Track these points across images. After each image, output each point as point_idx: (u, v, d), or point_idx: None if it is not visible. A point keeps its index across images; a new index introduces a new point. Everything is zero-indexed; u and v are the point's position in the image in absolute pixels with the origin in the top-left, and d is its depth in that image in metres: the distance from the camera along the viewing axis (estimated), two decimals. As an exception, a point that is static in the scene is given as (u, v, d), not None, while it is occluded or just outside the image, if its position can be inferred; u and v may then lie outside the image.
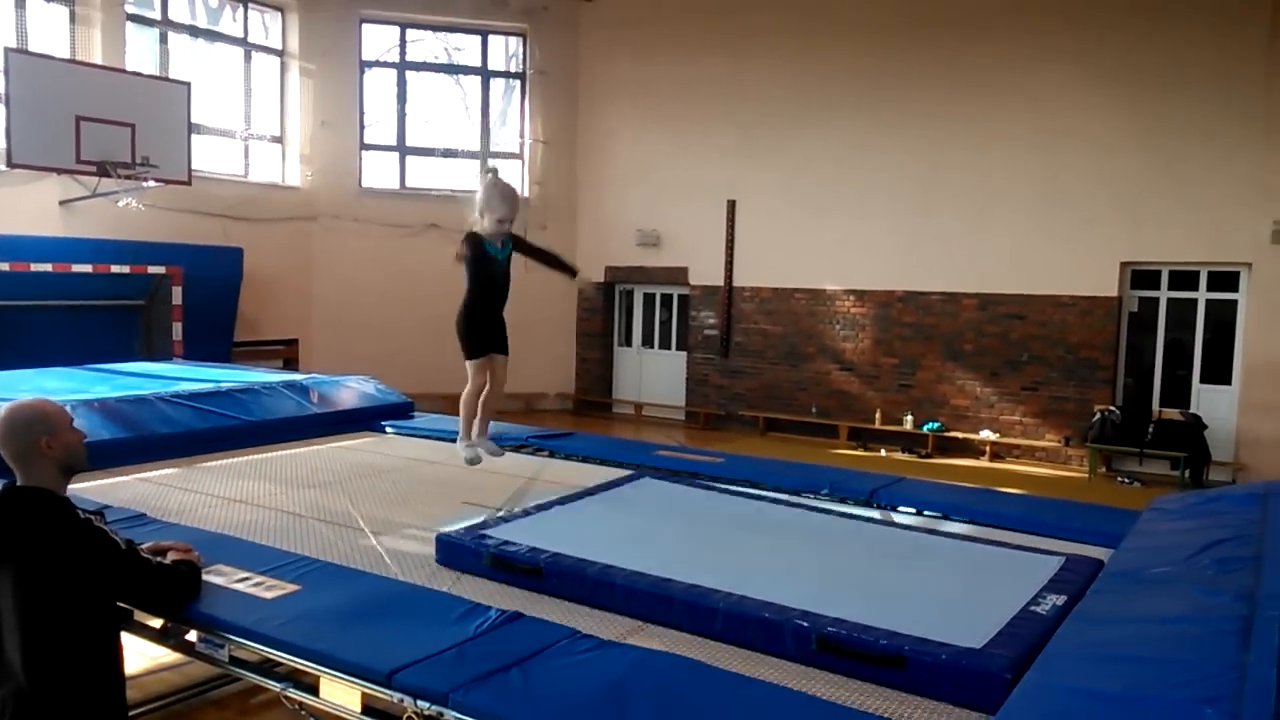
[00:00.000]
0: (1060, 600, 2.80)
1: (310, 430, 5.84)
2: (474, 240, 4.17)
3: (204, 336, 11.03)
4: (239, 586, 2.91)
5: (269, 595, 2.86)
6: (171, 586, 2.75)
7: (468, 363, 4.34)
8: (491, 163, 4.33)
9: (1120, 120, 10.81)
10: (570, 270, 4.70)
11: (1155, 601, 2.48)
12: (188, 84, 10.70)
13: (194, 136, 10.94)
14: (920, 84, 11.92)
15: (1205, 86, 10.35)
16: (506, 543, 3.31)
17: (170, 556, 2.89)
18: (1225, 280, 10.66)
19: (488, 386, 4.42)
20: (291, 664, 2.60)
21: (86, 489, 4.27)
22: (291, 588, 2.92)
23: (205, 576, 2.94)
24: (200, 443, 5.25)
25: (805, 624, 2.62)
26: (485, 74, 14.52)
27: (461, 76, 14.65)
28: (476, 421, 4.48)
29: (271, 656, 2.65)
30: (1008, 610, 2.72)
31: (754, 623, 2.70)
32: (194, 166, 10.83)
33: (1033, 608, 2.75)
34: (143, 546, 2.87)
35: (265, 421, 5.63)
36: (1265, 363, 10.27)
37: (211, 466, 5.05)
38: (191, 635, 2.86)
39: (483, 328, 4.32)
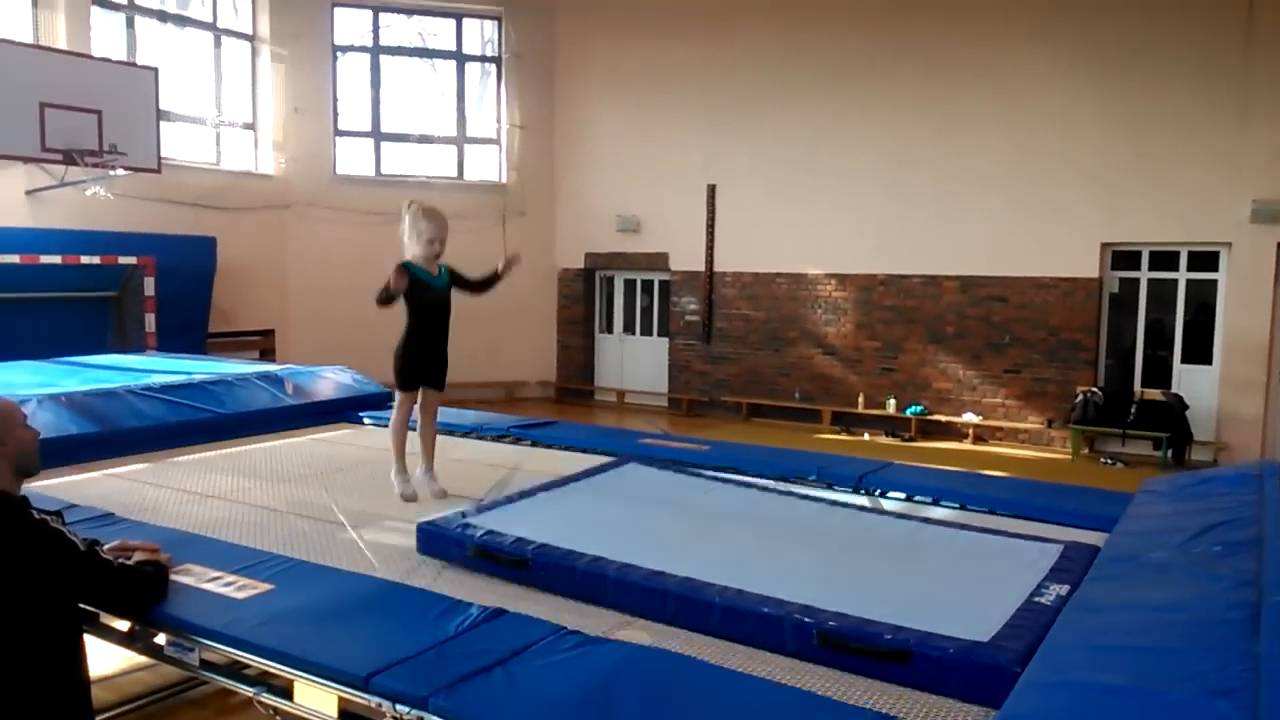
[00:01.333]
0: (1064, 590, 2.73)
1: (286, 422, 5.71)
2: (404, 270, 4.01)
3: (178, 328, 10.85)
4: (209, 587, 2.80)
5: (241, 595, 2.75)
6: (135, 588, 2.63)
7: (396, 392, 4.22)
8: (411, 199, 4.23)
9: (1094, 102, 10.78)
10: (506, 268, 4.41)
11: (1156, 589, 2.41)
12: (155, 69, 10.46)
13: (163, 123, 10.71)
14: (897, 67, 11.84)
15: (1179, 66, 10.33)
16: (491, 532, 3.19)
17: (136, 557, 2.77)
18: (1206, 260, 10.67)
19: (420, 419, 4.26)
20: (264, 667, 2.49)
21: (53, 486, 4.15)
22: (265, 587, 2.81)
23: (174, 577, 2.83)
24: (172, 436, 5.11)
25: (806, 619, 2.53)
26: (460, 58, 14.32)
27: (436, 61, 14.45)
28: (422, 457, 4.29)
29: (243, 660, 2.54)
30: (1011, 602, 2.65)
31: (752, 617, 2.61)
32: (164, 154, 10.61)
33: (1036, 598, 2.67)
34: (107, 546, 2.76)
35: (239, 414, 5.49)
36: (1245, 342, 10.30)
37: (183, 461, 4.92)
38: (160, 638, 2.75)
39: (421, 361, 4.19)
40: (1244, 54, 10.03)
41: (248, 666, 2.59)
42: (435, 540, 3.27)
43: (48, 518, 2.49)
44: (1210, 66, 10.20)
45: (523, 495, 3.79)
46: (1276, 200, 9.96)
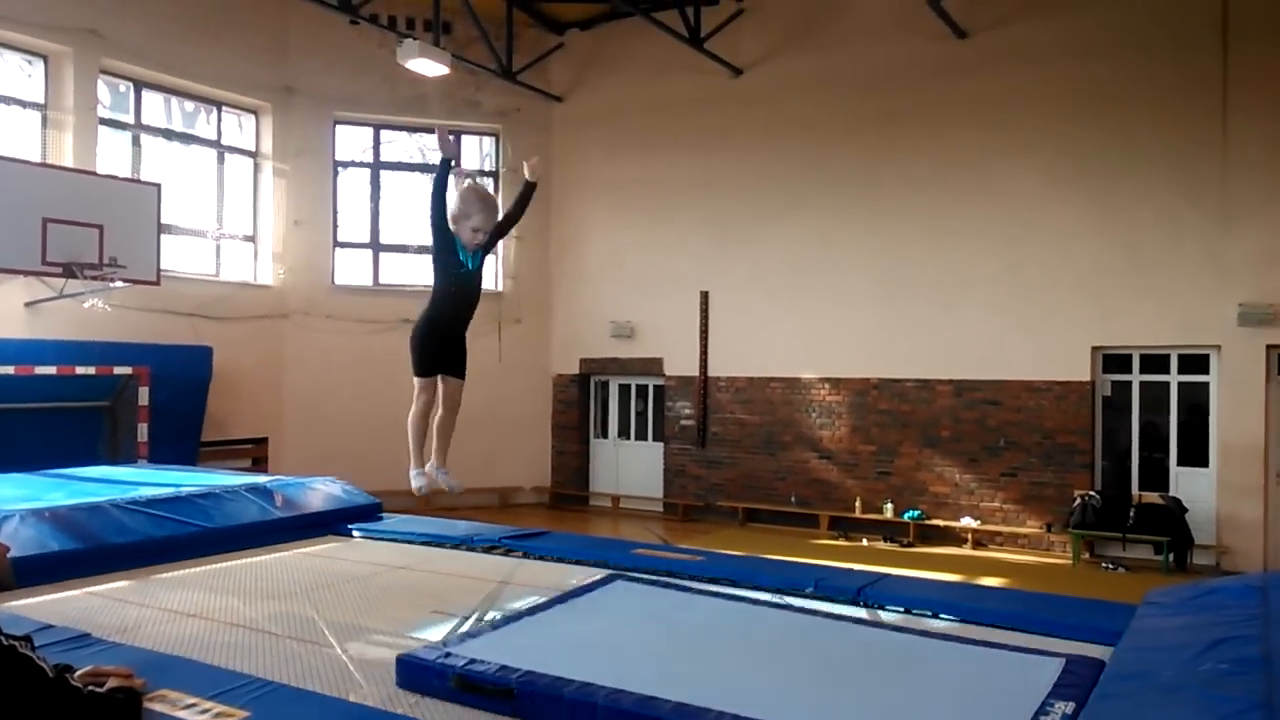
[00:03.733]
0: (1069, 708, 2.65)
1: (274, 535, 5.62)
2: (447, 235, 3.88)
3: (171, 437, 10.79)
4: (183, 715, 2.69)
5: (215, 725, 2.65)
6: (105, 718, 2.53)
7: (415, 379, 4.01)
8: (471, 171, 4.14)
9: (1081, 209, 11.02)
10: (533, 169, 4.22)
11: (1165, 710, 2.33)
12: (158, 185, 10.69)
13: (164, 236, 10.89)
14: (886, 177, 12.14)
15: (1162, 174, 10.60)
16: (473, 661, 3.08)
17: (109, 684, 2.68)
18: (1196, 363, 10.73)
19: (440, 410, 4.08)
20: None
21: (30, 606, 4.04)
22: (240, 714, 2.70)
23: (148, 704, 2.72)
24: (157, 552, 5.02)
25: None
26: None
27: (435, 174, 14.77)
28: (434, 450, 4.11)
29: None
30: None
31: None
32: (164, 266, 10.75)
33: (1042, 718, 2.59)
34: (79, 673, 2.67)
35: (226, 528, 5.41)
36: (1240, 444, 10.27)
37: (167, 577, 4.81)
38: (130, 771, 2.63)
39: (438, 345, 4.00)
40: (1223, 158, 10.30)
41: (221, 801, 2.48)
42: (415, 672, 3.13)
43: (15, 643, 2.41)
44: (1191, 172, 10.47)
45: (507, 620, 3.69)
46: (1263, 303, 10.08)
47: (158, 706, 2.74)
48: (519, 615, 3.77)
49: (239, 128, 13.24)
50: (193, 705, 2.76)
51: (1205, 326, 10.42)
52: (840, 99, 12.46)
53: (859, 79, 12.34)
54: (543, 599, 4.15)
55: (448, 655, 3.15)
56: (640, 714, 2.71)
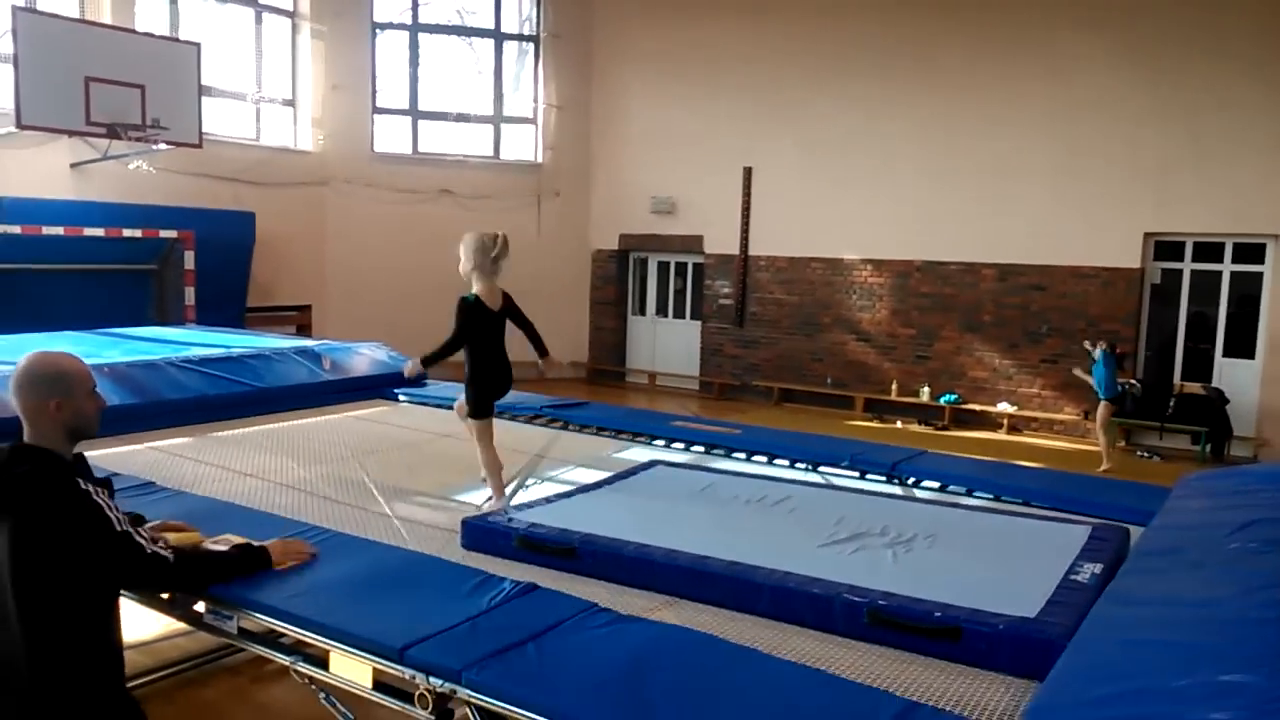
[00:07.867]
0: (1097, 569, 2.79)
1: (322, 397, 5.78)
2: (468, 306, 4.08)
3: (216, 302, 10.99)
4: (251, 555, 2.84)
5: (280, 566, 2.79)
6: (159, 578, 2.58)
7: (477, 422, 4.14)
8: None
9: (1142, 90, 10.57)
10: (542, 350, 4.57)
11: (1190, 584, 2.39)
12: (198, 45, 10.56)
13: (204, 99, 10.81)
14: (939, 51, 11.68)
15: (1230, 56, 10.09)
16: (535, 525, 3.23)
17: (164, 539, 2.72)
18: (1251, 252, 10.45)
19: None
20: (301, 637, 2.54)
21: (95, 458, 4.22)
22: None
23: (212, 545, 2.85)
24: (210, 409, 5.20)
25: (855, 598, 2.59)
26: (498, 36, 14.32)
27: (474, 39, 14.45)
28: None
29: (280, 629, 2.59)
30: (1050, 580, 2.71)
31: (801, 598, 2.65)
32: (205, 129, 10.72)
33: (1073, 576, 2.73)
34: (149, 525, 2.78)
35: (276, 388, 5.57)
36: (1290, 336, 10.10)
37: (223, 436, 4.99)
38: (200, 605, 2.80)
39: (495, 382, 4.28)
40: (1297, 42, 9.79)
41: (284, 635, 2.64)
42: (480, 535, 3.28)
43: (91, 489, 2.47)
44: (1268, 51, 9.94)
45: (558, 497, 3.80)
46: (1327, 192, 9.74)
47: (222, 549, 2.88)
48: (567, 494, 3.87)
49: (277, -13, 12.95)
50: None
51: (1263, 215, 10.10)
52: (898, -34, 11.90)
53: (919, -56, 11.75)
54: (580, 468, 4.26)
55: (511, 520, 3.31)
56: (696, 571, 2.85)
